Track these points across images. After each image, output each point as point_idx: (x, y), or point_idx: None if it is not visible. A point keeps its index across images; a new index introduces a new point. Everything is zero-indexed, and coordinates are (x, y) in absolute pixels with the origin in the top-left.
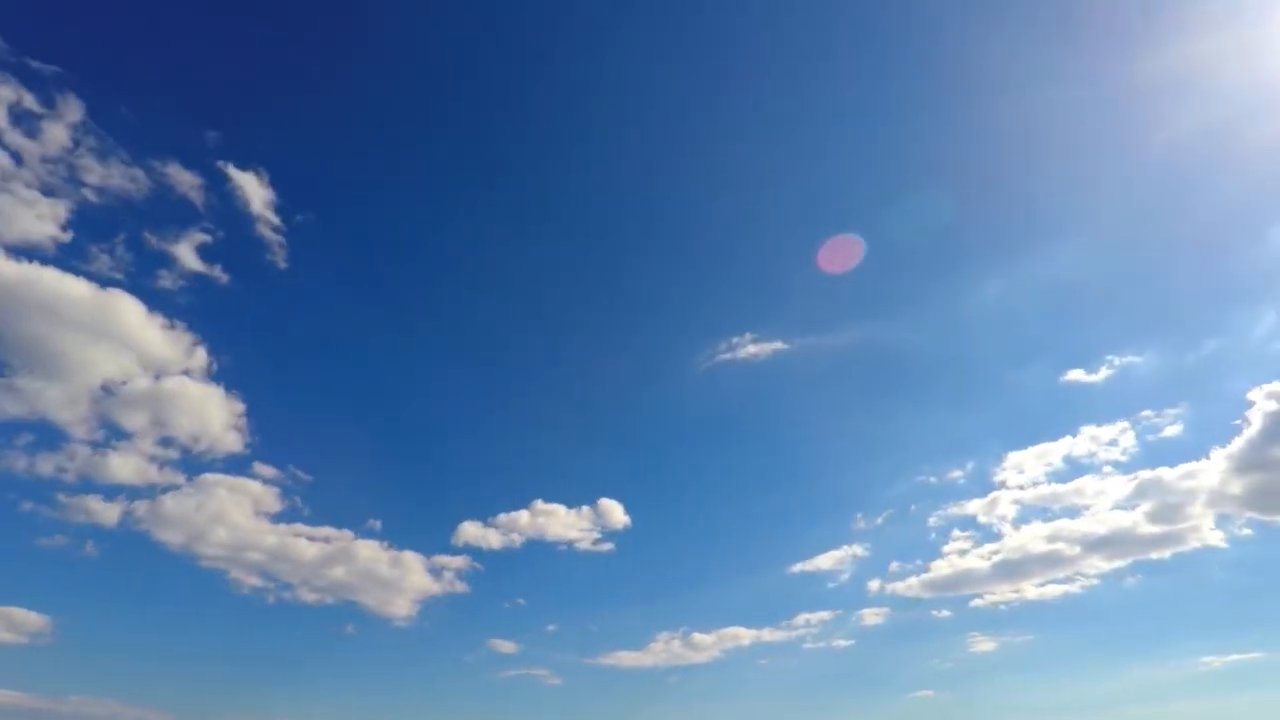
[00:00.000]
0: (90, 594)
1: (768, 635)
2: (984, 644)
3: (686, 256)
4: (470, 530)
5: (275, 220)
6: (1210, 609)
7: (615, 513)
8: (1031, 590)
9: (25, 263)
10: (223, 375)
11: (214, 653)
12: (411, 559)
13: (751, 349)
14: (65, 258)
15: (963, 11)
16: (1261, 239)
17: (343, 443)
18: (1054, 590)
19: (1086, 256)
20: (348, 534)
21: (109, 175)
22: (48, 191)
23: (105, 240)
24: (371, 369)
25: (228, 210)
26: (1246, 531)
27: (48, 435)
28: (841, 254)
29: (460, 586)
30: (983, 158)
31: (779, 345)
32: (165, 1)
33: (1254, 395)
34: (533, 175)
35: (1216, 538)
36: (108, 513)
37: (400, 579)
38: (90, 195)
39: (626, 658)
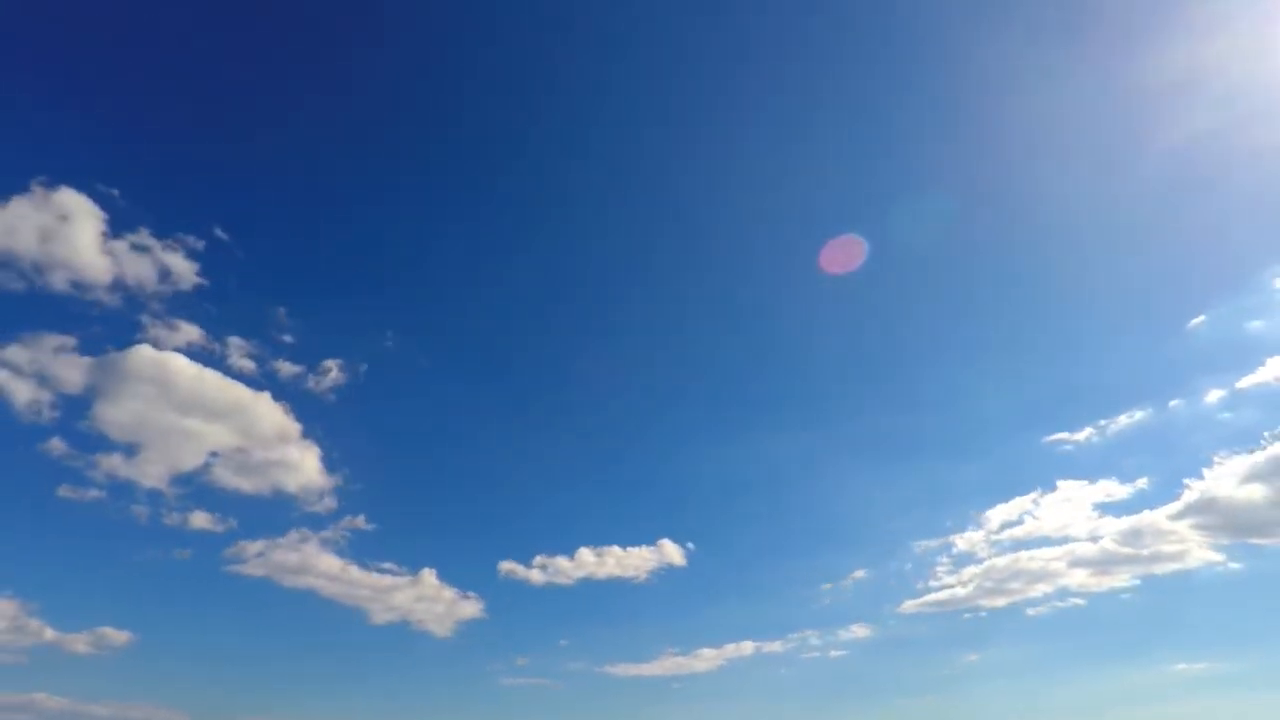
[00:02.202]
0: (182, 611)
1: (767, 647)
2: (972, 655)
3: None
4: (511, 567)
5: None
6: (1183, 622)
7: (670, 552)
8: (1015, 608)
9: (183, 359)
10: (326, 454)
11: (268, 661)
12: (459, 592)
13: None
14: (216, 359)
15: (965, 13)
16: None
17: (415, 497)
18: (1036, 608)
19: (1081, 300)
20: (407, 569)
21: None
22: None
23: (256, 350)
24: (444, 438)
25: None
26: (1214, 555)
27: (177, 483)
28: (843, 255)
29: (496, 612)
30: (985, 160)
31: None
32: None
33: (1212, 455)
34: (537, 181)
35: (1186, 561)
36: (223, 552)
37: (447, 606)
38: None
39: (632, 668)
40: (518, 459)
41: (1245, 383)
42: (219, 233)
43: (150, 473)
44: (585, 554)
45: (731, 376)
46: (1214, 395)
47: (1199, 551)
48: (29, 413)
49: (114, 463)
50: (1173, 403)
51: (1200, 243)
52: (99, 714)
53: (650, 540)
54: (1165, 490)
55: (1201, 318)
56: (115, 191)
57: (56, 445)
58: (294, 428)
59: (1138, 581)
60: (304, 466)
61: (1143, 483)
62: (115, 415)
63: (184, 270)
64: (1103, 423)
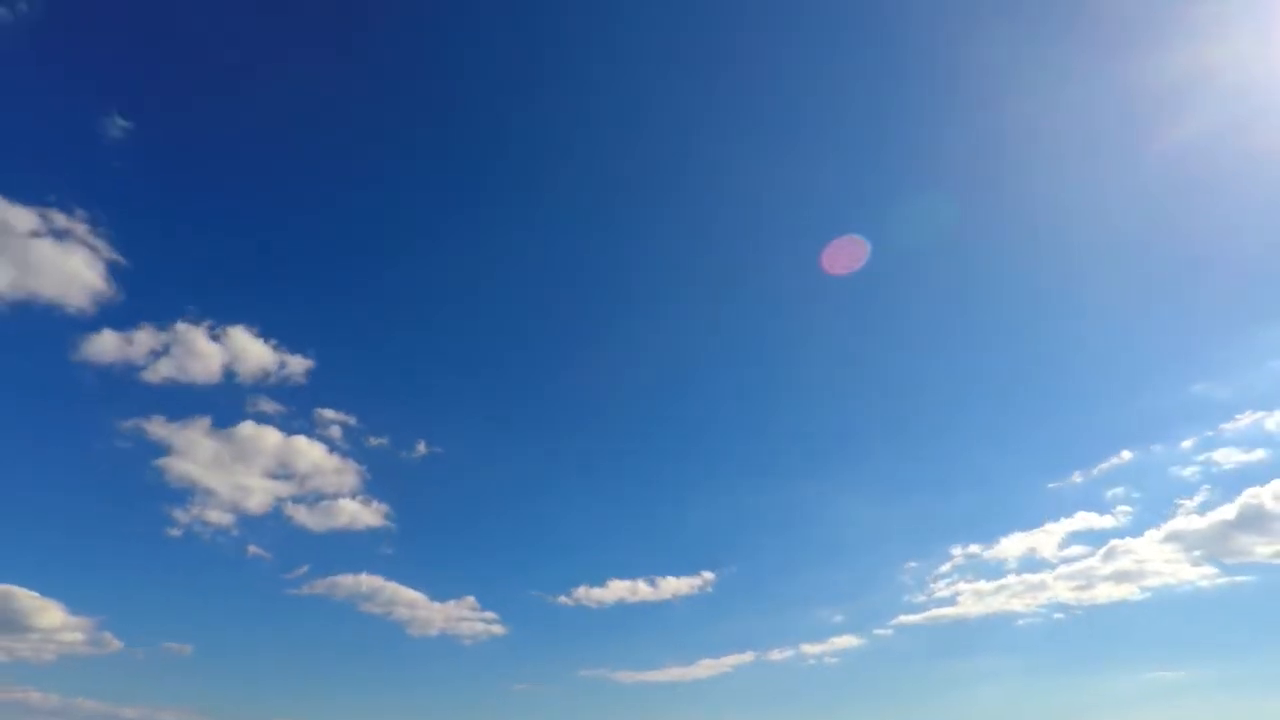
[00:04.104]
0: (242, 627)
1: (766, 656)
2: (962, 664)
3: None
4: (540, 594)
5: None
6: (1162, 633)
7: (697, 579)
8: (1004, 620)
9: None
10: (387, 507)
11: (302, 670)
12: (492, 614)
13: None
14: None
15: (965, 13)
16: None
17: (466, 545)
18: (1024, 621)
19: (1079, 322)
20: (450, 595)
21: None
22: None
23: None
24: (500, 493)
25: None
26: (1190, 572)
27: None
28: (845, 255)
29: (519, 627)
30: (984, 161)
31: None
32: None
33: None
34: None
35: (1164, 579)
36: (282, 576)
37: (482, 623)
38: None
39: (635, 675)
40: (560, 501)
41: (1213, 432)
42: (326, 338)
43: (219, 518)
44: (616, 584)
45: (753, 419)
46: (1189, 441)
47: (1177, 570)
48: (131, 465)
49: (199, 508)
50: (1153, 447)
51: (1190, 275)
52: (127, 717)
53: (683, 571)
54: (1145, 519)
55: (1179, 376)
56: (235, 298)
57: (152, 492)
58: (366, 482)
59: (1120, 598)
60: (370, 512)
61: (1124, 509)
62: (198, 469)
63: (296, 365)
64: (1092, 461)
